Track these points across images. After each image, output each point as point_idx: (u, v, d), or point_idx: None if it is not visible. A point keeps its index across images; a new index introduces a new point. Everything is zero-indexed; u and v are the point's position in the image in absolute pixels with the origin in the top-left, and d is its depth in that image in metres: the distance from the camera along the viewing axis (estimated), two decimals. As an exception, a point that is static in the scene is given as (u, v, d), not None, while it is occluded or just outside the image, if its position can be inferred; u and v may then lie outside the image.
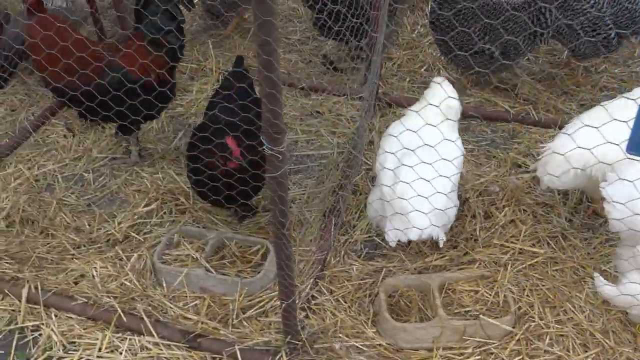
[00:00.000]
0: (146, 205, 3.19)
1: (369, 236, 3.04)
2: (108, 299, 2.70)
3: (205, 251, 2.86)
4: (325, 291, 2.73)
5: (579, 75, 3.99)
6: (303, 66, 4.33)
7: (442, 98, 2.71)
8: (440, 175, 2.44)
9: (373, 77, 3.22)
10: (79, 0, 3.99)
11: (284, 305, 2.24)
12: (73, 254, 2.97)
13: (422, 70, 4.26)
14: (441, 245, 2.63)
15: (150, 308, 2.67)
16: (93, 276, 2.82)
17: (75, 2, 3.98)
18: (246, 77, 3.12)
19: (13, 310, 2.74)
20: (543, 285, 2.70)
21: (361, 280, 2.77)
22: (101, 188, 3.41)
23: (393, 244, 2.60)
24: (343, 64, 4.24)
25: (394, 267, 2.82)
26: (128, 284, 2.77)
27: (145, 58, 2.98)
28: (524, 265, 2.77)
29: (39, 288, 2.75)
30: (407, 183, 2.41)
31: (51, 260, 2.94)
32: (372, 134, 3.60)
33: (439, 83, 2.75)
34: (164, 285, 2.78)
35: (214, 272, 2.76)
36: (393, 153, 2.60)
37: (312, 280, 2.73)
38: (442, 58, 4.19)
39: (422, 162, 2.41)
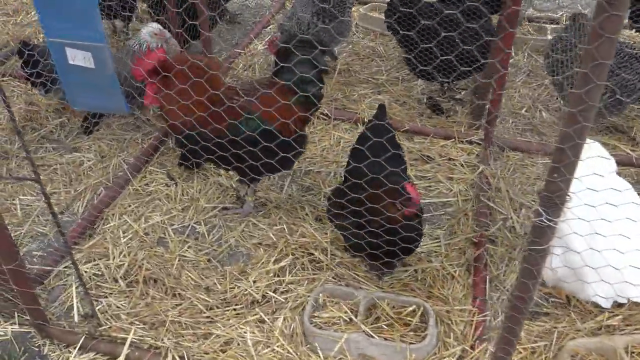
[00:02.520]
0: (276, 262, 2.99)
1: (522, 292, 2.85)
2: (266, 370, 2.48)
3: (360, 313, 2.66)
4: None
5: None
6: (399, 108, 4.18)
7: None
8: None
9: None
10: (172, 41, 3.83)
11: (499, 381, 2.04)
12: (208, 317, 2.75)
13: (523, 111, 4.14)
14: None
15: (314, 379, 2.45)
16: (239, 343, 2.60)
17: (170, 44, 3.81)
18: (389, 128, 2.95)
19: (156, 383, 2.51)
20: None
21: (533, 343, 2.58)
22: (217, 241, 3.20)
23: (607, 304, 2.45)
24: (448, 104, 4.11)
25: (564, 327, 2.64)
26: (281, 351, 2.56)
27: (284, 110, 2.81)
28: None
29: (185, 358, 2.53)
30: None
31: (185, 324, 2.72)
32: (496, 180, 3.44)
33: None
34: (319, 352, 2.57)
35: (375, 337, 2.56)
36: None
37: (484, 345, 2.54)
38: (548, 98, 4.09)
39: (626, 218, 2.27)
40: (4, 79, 4.62)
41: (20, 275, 2.50)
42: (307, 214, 3.28)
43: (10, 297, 2.74)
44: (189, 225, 3.29)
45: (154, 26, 3.73)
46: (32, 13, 5.77)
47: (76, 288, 2.84)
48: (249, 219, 3.29)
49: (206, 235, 3.22)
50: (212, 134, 2.80)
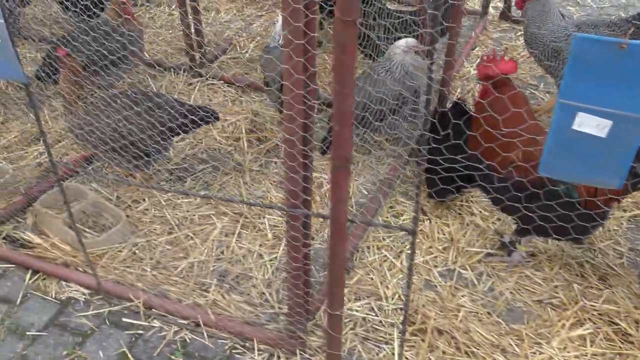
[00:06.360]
0: (572, 327, 2.71)
1: None
2: None
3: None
4: None
5: None
6: None
7: None
8: None
9: None
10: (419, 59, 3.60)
11: None
12: (510, 382, 2.51)
13: None
14: None
15: None
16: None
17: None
18: None
19: None
20: None
21: None
22: (490, 292, 2.94)
23: None
24: None
25: None
26: None
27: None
28: None
29: None
30: None
31: (487, 389, 2.48)
32: None
33: None
34: None
35: None
36: None
37: None
38: None
39: None
40: (213, 81, 4.54)
41: (337, 320, 2.32)
42: (588, 273, 2.99)
43: (300, 336, 2.58)
44: (455, 269, 3.06)
45: (411, 41, 3.50)
46: (222, 13, 5.70)
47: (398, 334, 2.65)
48: (520, 270, 3.03)
49: (476, 283, 2.98)
50: (530, 184, 2.55)
